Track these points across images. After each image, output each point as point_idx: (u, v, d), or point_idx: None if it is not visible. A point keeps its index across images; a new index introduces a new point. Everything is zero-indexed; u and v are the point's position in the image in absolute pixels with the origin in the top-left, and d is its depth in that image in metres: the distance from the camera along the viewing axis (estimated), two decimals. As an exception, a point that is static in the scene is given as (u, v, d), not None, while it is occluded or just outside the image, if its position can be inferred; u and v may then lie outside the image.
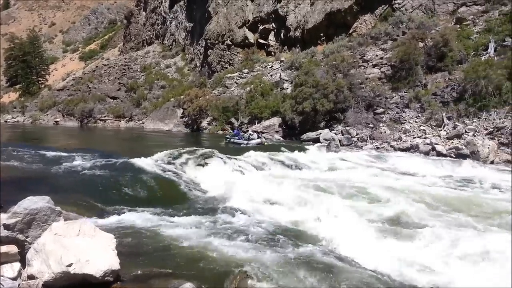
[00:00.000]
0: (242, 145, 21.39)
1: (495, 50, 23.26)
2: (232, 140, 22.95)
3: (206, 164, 13.22)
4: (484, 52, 23.61)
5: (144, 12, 77.75)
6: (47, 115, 57.65)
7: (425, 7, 31.51)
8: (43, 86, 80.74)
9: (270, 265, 5.81)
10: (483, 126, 19.91)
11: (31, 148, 15.35)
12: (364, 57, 30.08)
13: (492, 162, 17.83)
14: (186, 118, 39.48)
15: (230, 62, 46.84)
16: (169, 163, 12.88)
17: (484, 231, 7.83)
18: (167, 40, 69.04)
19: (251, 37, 45.85)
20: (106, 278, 4.85)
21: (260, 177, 12.88)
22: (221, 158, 14.12)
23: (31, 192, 6.06)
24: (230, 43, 46.50)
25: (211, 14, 48.96)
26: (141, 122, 47.60)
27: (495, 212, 9.30)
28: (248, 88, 35.55)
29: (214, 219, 8.28)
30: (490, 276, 5.77)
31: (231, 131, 26.43)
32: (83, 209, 8.32)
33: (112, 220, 7.85)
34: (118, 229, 7.16)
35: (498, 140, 18.83)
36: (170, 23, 68.28)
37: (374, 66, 28.62)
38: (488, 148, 18.27)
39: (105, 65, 69.90)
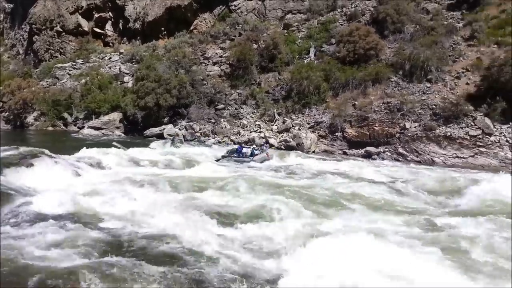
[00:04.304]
0: (245, 162, 17.01)
1: (315, 55, 26.84)
2: (232, 157, 17.80)
3: (32, 165, 11.68)
4: (307, 56, 27.02)
5: None
6: None
7: (258, 11, 34.24)
8: None
9: (105, 270, 5.55)
10: (306, 121, 22.90)
11: None
12: (205, 55, 31.01)
13: (313, 152, 20.75)
14: (7, 113, 34.15)
15: (61, 50, 42.33)
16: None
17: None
18: (-22, 21, 58.07)
19: (86, 25, 42.28)
20: None
21: (97, 177, 12.14)
22: (52, 158, 12.72)
23: None
24: (60, 29, 41.94)
25: (36, -4, 43.20)
26: None
27: (296, 191, 11.04)
28: (83, 80, 32.84)
29: (42, 227, 7.33)
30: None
31: (234, 145, 20.45)
32: None
33: None
34: None
35: (318, 133, 21.97)
36: (-18, 0, 57.60)
37: (214, 63, 29.79)
38: (310, 140, 21.17)
39: None
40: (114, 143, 19.49)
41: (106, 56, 38.05)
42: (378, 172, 15.17)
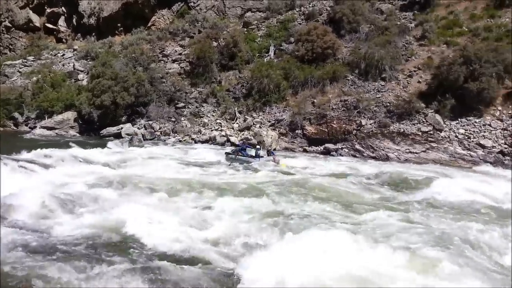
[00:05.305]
0: (252, 163, 15.91)
1: (274, 53, 27.08)
2: (236, 156, 16.86)
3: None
4: (266, 54, 27.24)
5: None
6: None
7: (217, 8, 34.03)
8: None
9: (56, 272, 5.46)
10: (267, 119, 23.12)
11: None
12: (164, 52, 30.47)
13: (274, 149, 20.93)
14: (-50, 113, 31.88)
15: (11, 47, 40.18)
16: None
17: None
18: None
19: (37, 21, 40.34)
20: None
21: (50, 177, 11.61)
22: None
23: None
24: (9, 25, 39.78)
25: (-19, -12, 40.72)
26: None
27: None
28: (35, 78, 31.29)
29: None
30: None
31: (236, 146, 18.96)
32: None
33: None
34: None
35: (278, 131, 22.24)
36: None
37: (174, 61, 29.33)
38: (271, 138, 21.39)
39: None
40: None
41: (59, 52, 36.48)
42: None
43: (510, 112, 18.53)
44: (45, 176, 11.91)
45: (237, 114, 23.75)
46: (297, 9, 30.84)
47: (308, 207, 9.62)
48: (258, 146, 17.89)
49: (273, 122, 22.65)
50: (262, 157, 16.54)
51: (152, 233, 7.27)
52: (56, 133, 25.05)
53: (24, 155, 14.00)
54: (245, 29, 30.65)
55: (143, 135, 23.50)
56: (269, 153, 17.00)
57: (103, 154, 16.43)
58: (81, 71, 31.72)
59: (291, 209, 9.25)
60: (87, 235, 7.22)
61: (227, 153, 17.40)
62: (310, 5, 30.32)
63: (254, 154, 16.53)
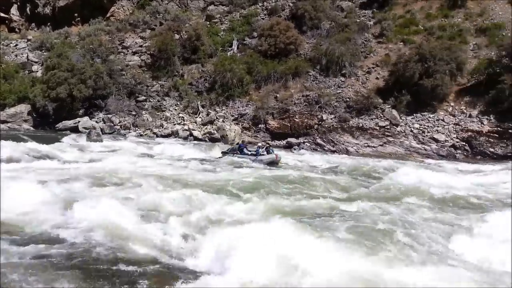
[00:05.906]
0: (250, 161, 15.37)
1: (237, 47, 27.02)
2: (234, 154, 16.30)
3: None
4: (230, 48, 27.12)
5: None
6: None
7: (179, 0, 33.43)
8: None
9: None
10: (230, 113, 23.10)
11: None
12: (123, 44, 29.61)
13: (238, 144, 20.95)
14: None
15: (-44, 35, 37.62)
16: None
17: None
18: None
19: (-14, 8, 38.02)
20: None
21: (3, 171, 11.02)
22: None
23: None
24: (-46, 11, 37.26)
25: None
26: None
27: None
28: (-16, 69, 29.58)
29: None
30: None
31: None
32: None
33: None
34: None
35: (241, 125, 22.31)
36: None
37: (134, 53, 28.59)
38: (235, 132, 21.44)
39: None
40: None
41: (11, 43, 34.49)
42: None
43: (462, 107, 19.54)
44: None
45: (200, 108, 23.55)
46: (260, 4, 30.88)
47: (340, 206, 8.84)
48: (259, 144, 17.67)
49: (237, 116, 22.66)
50: (262, 154, 15.82)
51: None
52: (9, 127, 23.85)
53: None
54: (208, 22, 30.35)
55: (101, 129, 22.72)
56: (268, 150, 16.12)
57: (61, 150, 15.74)
58: (36, 62, 30.26)
59: (315, 209, 8.62)
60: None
61: (223, 153, 16.61)
62: (273, 1, 30.45)
63: (255, 152, 16.05)
